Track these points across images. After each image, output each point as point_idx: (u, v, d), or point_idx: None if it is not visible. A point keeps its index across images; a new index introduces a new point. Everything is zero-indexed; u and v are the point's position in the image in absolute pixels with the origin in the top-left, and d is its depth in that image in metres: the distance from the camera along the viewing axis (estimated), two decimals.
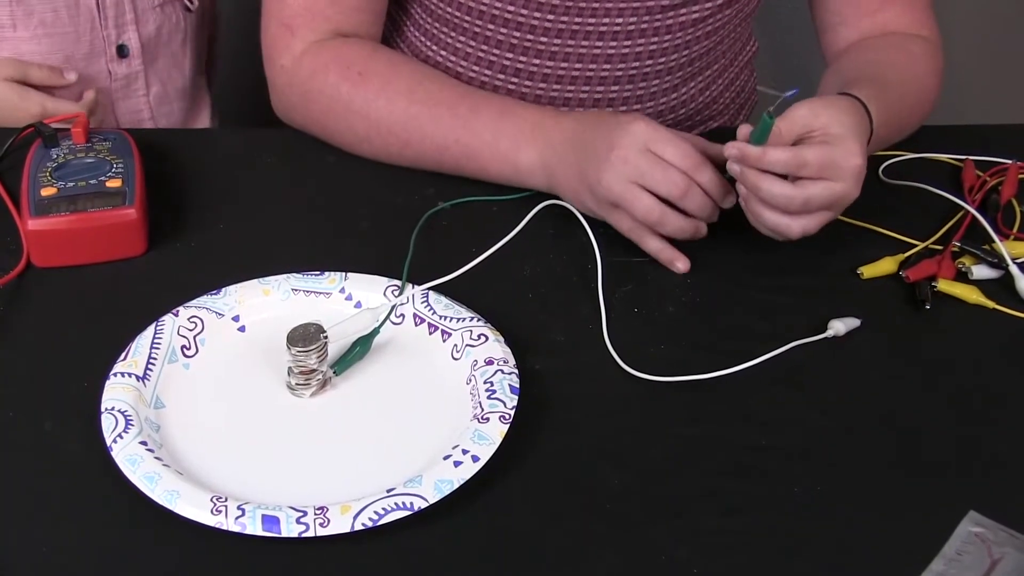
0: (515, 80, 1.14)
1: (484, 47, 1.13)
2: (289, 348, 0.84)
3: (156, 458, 0.78)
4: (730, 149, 0.91)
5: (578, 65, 1.12)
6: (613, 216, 0.97)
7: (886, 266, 0.98)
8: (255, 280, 0.92)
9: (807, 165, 0.90)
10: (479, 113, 1.04)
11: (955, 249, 0.99)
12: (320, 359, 0.85)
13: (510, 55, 1.12)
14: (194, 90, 1.37)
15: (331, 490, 0.77)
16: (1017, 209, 1.05)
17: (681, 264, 0.97)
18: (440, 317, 0.90)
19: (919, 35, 1.15)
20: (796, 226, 0.93)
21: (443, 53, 1.15)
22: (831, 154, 0.91)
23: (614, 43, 1.11)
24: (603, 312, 0.92)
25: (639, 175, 0.93)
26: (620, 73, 1.13)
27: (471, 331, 0.88)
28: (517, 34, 1.11)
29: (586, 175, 0.97)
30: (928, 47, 1.14)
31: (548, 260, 0.99)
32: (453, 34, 1.14)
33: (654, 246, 0.97)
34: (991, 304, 0.95)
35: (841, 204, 0.93)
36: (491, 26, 1.11)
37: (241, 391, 0.86)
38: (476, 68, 1.14)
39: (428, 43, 1.16)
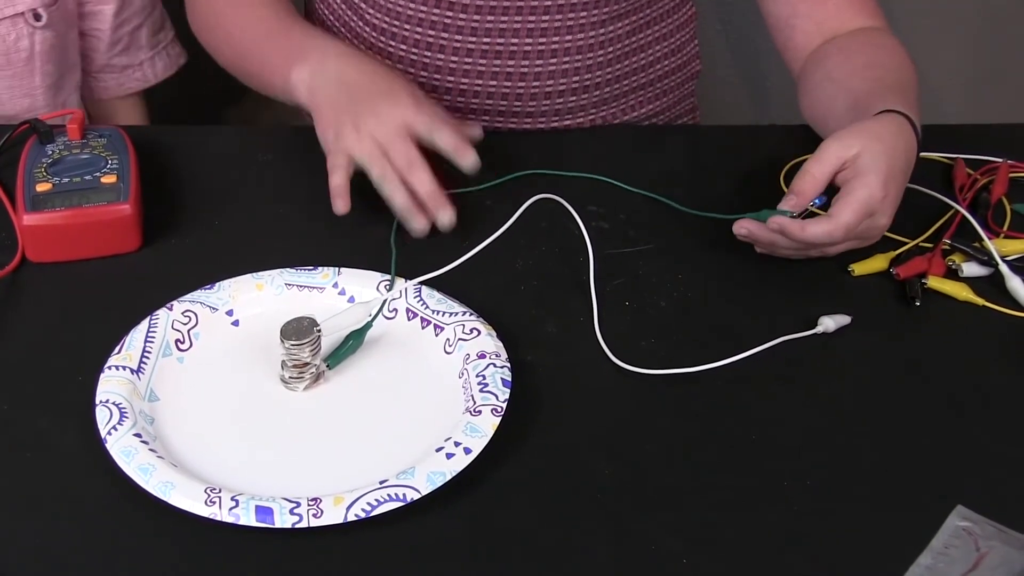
0: (429, 55, 1.16)
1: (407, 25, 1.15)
2: (283, 342, 0.84)
3: (151, 450, 0.78)
4: (771, 224, 0.94)
5: (500, 40, 1.14)
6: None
7: (877, 263, 0.99)
8: (248, 275, 0.93)
9: (851, 229, 0.93)
10: (293, 31, 1.11)
11: (945, 247, 1.00)
12: (313, 353, 0.85)
13: (431, 32, 1.14)
14: (52, 108, 1.29)
15: (324, 482, 0.77)
16: (1007, 207, 1.06)
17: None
18: (433, 311, 0.90)
19: (874, 27, 1.14)
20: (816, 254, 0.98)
21: (361, 25, 1.19)
22: (867, 203, 0.92)
23: (532, 17, 1.13)
24: (595, 306, 0.92)
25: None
26: (543, 47, 1.15)
27: (463, 325, 0.89)
28: (437, 11, 1.13)
29: (358, 120, 1.00)
30: (888, 35, 1.14)
31: (540, 254, 0.99)
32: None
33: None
34: (980, 301, 0.96)
35: (870, 236, 0.97)
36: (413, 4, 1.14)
37: (235, 384, 0.86)
38: (393, 44, 1.17)
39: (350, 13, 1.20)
